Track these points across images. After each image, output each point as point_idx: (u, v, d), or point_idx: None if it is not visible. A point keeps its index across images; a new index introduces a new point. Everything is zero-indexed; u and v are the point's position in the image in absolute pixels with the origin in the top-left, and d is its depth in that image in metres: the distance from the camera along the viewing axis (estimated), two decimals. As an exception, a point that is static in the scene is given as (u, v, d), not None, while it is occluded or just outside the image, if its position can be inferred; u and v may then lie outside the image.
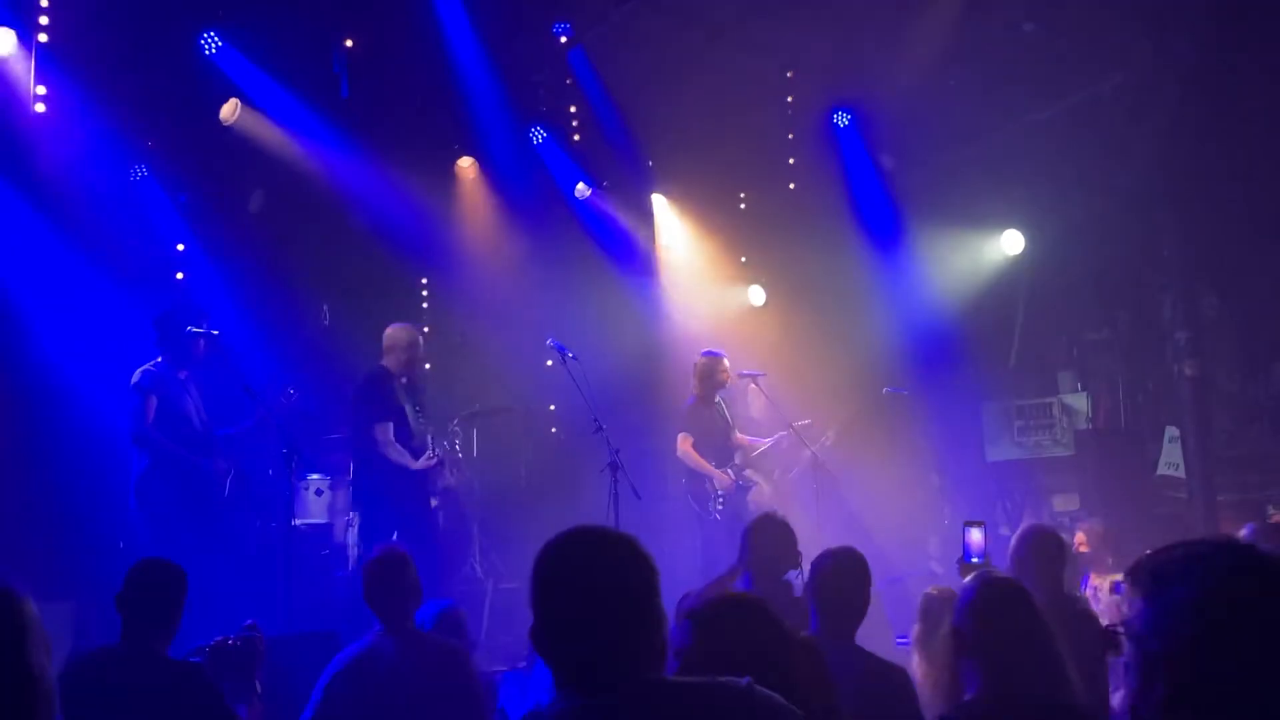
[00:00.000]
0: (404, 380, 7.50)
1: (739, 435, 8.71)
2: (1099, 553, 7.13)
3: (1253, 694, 1.46)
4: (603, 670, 2.03)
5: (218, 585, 6.52)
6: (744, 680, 2.08)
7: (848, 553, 4.00)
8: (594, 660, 2.04)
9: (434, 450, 7.40)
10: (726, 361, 8.57)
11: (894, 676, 3.82)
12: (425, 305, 10.36)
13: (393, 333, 7.55)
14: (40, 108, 7.68)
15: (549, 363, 8.86)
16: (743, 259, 11.27)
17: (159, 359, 7.06)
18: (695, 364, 8.61)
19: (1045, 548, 4.56)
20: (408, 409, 7.41)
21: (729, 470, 8.35)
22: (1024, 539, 4.64)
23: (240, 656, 4.13)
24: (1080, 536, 7.26)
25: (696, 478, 8.36)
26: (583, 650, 2.04)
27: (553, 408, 10.42)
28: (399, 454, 7.21)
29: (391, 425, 7.21)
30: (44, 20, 7.65)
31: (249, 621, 4.29)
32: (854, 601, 3.89)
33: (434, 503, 7.62)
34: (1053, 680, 2.92)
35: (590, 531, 2.16)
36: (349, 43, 8.89)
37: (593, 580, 2.07)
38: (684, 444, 8.38)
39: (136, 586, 3.98)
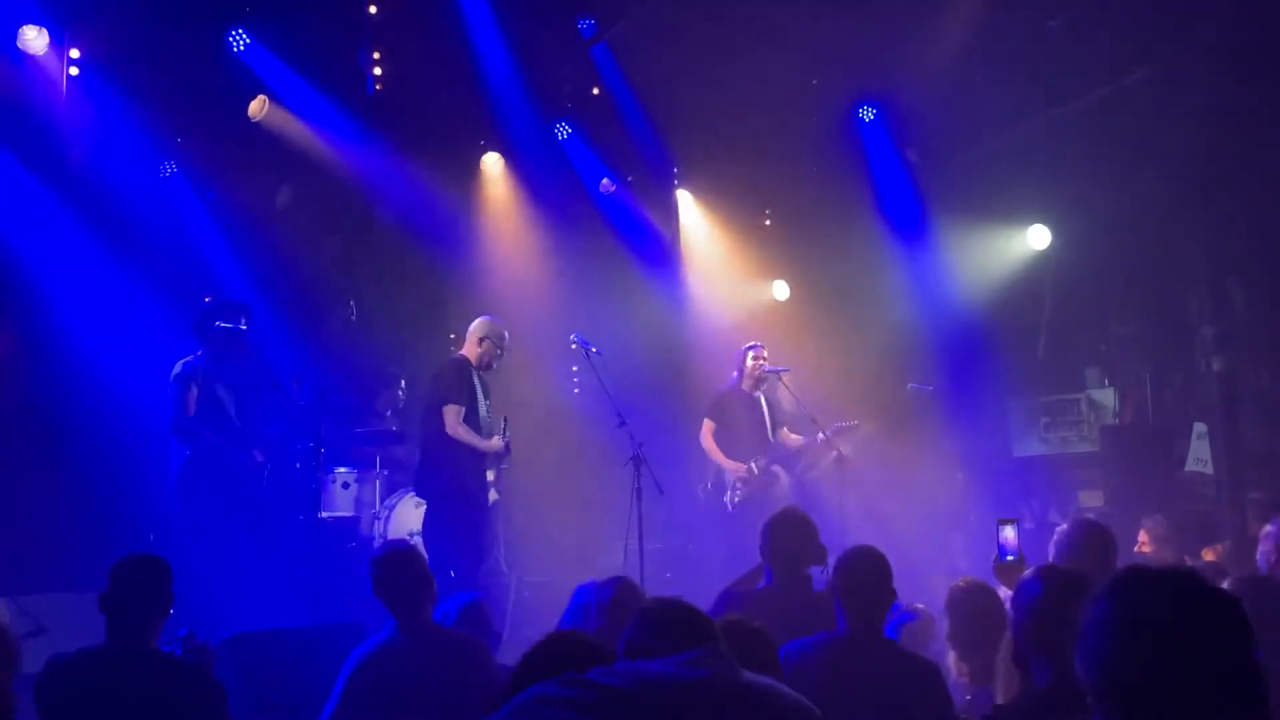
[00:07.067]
0: (480, 373, 7.52)
1: (785, 433, 8.65)
2: (1161, 553, 6.54)
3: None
4: None
5: (250, 576, 6.61)
6: None
7: (866, 549, 4.05)
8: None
9: (505, 437, 7.42)
10: (754, 353, 8.56)
11: (924, 669, 3.84)
12: (450, 301, 10.39)
13: (473, 324, 7.61)
14: (71, 105, 7.78)
15: (574, 368, 8.89)
16: (767, 254, 11.24)
17: (199, 351, 7.17)
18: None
19: (1099, 543, 4.48)
20: (480, 399, 7.45)
21: (752, 465, 8.36)
22: (1074, 536, 4.52)
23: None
24: (1143, 536, 6.74)
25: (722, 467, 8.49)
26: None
27: (577, 400, 10.43)
28: (468, 434, 7.26)
29: (461, 409, 7.25)
30: (75, 19, 7.75)
31: (184, 632, 4.22)
32: (878, 595, 3.91)
33: (494, 495, 7.64)
34: None
35: None
36: (375, 40, 8.94)
37: None
38: (704, 430, 8.57)
39: (127, 584, 3.84)
